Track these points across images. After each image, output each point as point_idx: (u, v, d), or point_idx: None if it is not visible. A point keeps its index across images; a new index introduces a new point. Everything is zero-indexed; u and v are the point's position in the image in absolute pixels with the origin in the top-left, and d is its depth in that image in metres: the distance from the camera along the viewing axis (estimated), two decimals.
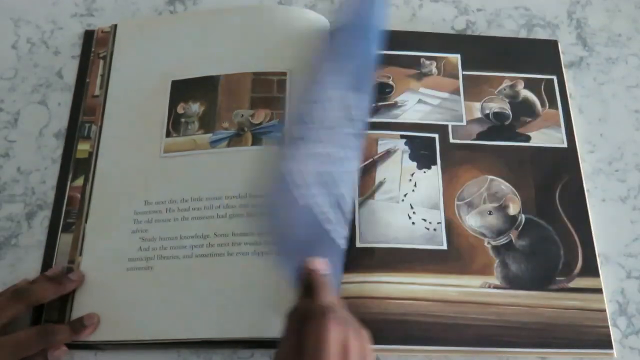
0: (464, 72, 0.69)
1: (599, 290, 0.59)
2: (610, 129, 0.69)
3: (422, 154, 0.64)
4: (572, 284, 0.60)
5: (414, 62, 0.69)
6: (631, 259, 0.63)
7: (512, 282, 0.59)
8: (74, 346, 0.57)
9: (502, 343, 0.57)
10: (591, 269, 0.60)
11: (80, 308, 0.58)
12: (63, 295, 0.58)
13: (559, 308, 0.58)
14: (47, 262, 0.61)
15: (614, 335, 0.58)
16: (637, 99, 0.70)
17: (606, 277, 0.61)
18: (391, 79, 0.68)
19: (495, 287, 0.59)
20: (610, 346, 0.57)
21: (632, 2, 0.76)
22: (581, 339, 0.57)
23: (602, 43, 0.74)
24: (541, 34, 0.74)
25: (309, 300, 0.47)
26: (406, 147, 0.65)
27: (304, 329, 0.44)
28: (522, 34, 0.74)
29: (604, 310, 0.59)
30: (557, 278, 0.60)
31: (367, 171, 0.63)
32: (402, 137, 0.65)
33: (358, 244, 0.60)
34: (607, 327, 0.58)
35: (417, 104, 0.67)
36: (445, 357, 0.58)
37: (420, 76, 0.69)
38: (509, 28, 0.74)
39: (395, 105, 0.67)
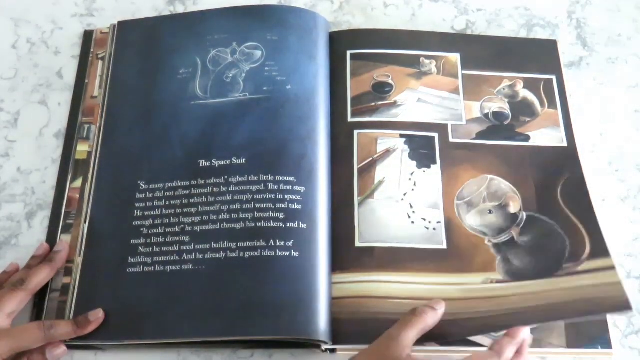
0: (464, 72, 0.69)
1: (611, 268, 0.58)
2: (610, 129, 0.69)
3: (421, 153, 0.64)
4: (581, 267, 0.58)
5: (414, 62, 0.69)
6: (631, 259, 0.62)
7: (515, 275, 0.59)
8: (74, 346, 0.56)
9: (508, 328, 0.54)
10: (601, 251, 0.59)
11: (79, 310, 0.57)
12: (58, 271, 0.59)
13: (568, 289, 0.57)
14: None
15: (614, 335, 0.58)
16: (637, 99, 0.70)
17: None
18: (391, 78, 0.68)
19: (498, 281, 0.58)
20: (609, 346, 0.57)
21: (632, 2, 0.76)
22: (597, 306, 0.55)
23: (602, 43, 0.74)
24: (541, 34, 0.74)
25: None
26: (406, 146, 0.65)
27: None
28: (522, 34, 0.74)
29: (619, 283, 0.56)
30: (564, 265, 0.59)
31: (367, 170, 0.63)
32: (401, 136, 0.65)
33: (357, 244, 0.60)
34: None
35: (416, 103, 0.67)
36: (445, 356, 0.57)
37: (420, 75, 0.69)
38: (509, 28, 0.74)
39: (394, 104, 0.67)
